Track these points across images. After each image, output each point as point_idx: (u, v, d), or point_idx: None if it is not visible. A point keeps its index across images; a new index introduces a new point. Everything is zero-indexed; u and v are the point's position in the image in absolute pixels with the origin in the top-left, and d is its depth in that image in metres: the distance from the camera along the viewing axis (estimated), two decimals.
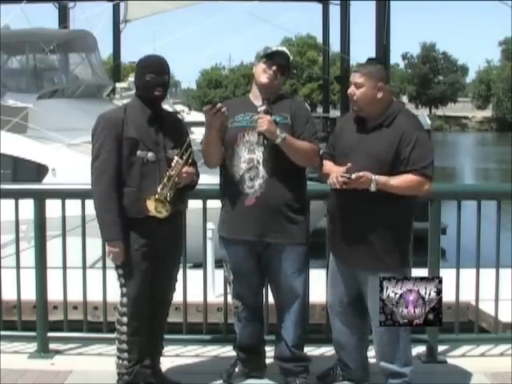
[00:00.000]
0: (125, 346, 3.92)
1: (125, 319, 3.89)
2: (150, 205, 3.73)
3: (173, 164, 3.81)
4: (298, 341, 4.08)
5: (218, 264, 5.66)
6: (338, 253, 4.02)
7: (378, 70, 3.89)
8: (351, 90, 3.86)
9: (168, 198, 3.76)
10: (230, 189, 3.92)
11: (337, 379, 4.20)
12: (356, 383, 4.17)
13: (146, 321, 3.93)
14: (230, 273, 4.04)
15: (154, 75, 3.84)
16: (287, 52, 3.96)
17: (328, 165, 3.95)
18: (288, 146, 3.78)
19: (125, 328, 3.89)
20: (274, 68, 3.89)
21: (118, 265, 3.87)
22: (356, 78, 3.85)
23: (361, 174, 3.65)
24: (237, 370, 4.22)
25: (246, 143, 3.85)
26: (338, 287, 4.06)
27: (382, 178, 3.69)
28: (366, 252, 3.81)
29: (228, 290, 4.18)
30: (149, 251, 3.87)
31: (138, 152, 3.81)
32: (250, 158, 3.84)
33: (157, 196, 3.74)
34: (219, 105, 3.79)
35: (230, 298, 4.24)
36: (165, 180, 3.78)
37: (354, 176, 3.64)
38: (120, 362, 3.95)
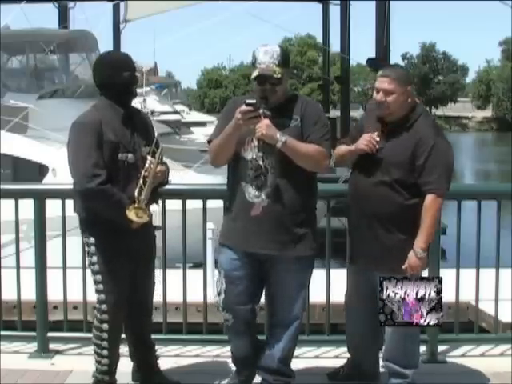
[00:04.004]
0: (106, 352, 3.85)
1: (105, 326, 3.80)
2: (131, 214, 3.63)
3: (147, 165, 3.72)
4: (288, 354, 3.87)
5: None
6: (355, 253, 4.04)
7: (405, 74, 3.87)
8: (380, 96, 3.77)
9: (145, 202, 3.69)
10: (235, 195, 3.71)
11: (347, 378, 4.20)
12: (365, 383, 4.17)
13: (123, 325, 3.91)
14: (222, 282, 3.79)
15: (130, 73, 3.78)
16: (271, 65, 3.58)
17: (342, 148, 3.96)
18: (290, 149, 3.56)
19: (105, 335, 3.82)
20: (267, 87, 3.62)
21: (97, 271, 3.78)
22: (385, 84, 3.76)
23: None
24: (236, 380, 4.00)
25: (254, 148, 3.63)
26: (354, 287, 4.08)
27: None
28: (380, 254, 3.80)
29: (216, 302, 3.88)
30: (128, 255, 3.80)
31: (119, 155, 3.72)
32: (257, 165, 3.63)
33: (136, 205, 3.66)
34: (261, 111, 3.55)
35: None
36: (141, 183, 3.69)
37: None
38: (100, 367, 3.88)
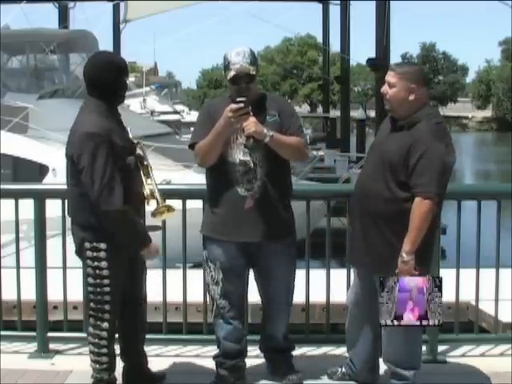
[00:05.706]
0: (105, 350, 3.87)
1: (106, 325, 3.84)
2: (163, 217, 3.83)
3: (145, 162, 3.85)
4: (287, 332, 4.19)
5: None
6: (354, 255, 4.02)
7: (413, 71, 3.81)
8: (384, 88, 3.80)
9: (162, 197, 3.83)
10: (225, 192, 3.86)
11: (343, 378, 4.20)
12: (365, 383, 4.15)
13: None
14: (218, 272, 3.96)
15: (127, 77, 3.85)
16: (245, 64, 3.75)
17: None
18: (277, 143, 3.76)
19: (105, 333, 3.85)
20: (243, 86, 3.78)
21: (106, 275, 3.77)
22: (389, 77, 3.77)
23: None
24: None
25: (240, 145, 3.81)
26: (355, 288, 4.09)
27: None
28: (368, 253, 3.81)
29: (213, 292, 4.01)
30: (128, 256, 3.88)
31: (128, 159, 3.75)
32: (245, 160, 3.81)
33: (161, 206, 3.80)
34: (250, 108, 3.68)
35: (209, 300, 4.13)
36: (154, 187, 3.82)
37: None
38: (98, 366, 3.89)
